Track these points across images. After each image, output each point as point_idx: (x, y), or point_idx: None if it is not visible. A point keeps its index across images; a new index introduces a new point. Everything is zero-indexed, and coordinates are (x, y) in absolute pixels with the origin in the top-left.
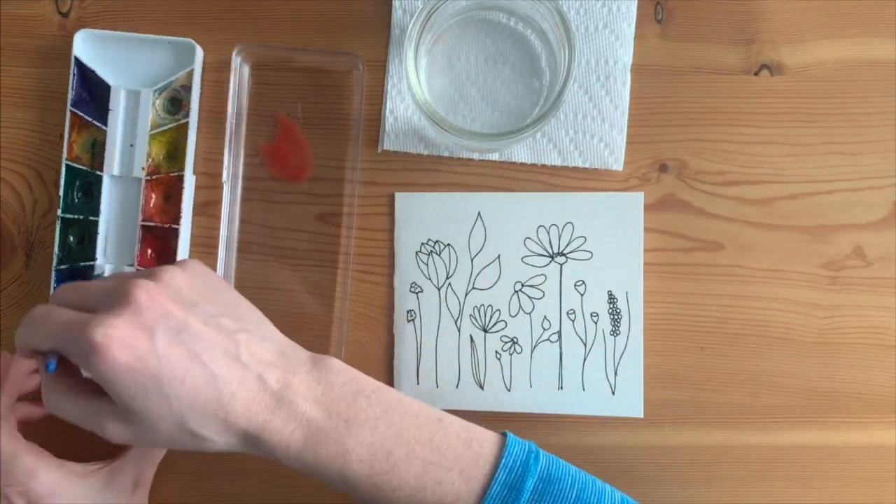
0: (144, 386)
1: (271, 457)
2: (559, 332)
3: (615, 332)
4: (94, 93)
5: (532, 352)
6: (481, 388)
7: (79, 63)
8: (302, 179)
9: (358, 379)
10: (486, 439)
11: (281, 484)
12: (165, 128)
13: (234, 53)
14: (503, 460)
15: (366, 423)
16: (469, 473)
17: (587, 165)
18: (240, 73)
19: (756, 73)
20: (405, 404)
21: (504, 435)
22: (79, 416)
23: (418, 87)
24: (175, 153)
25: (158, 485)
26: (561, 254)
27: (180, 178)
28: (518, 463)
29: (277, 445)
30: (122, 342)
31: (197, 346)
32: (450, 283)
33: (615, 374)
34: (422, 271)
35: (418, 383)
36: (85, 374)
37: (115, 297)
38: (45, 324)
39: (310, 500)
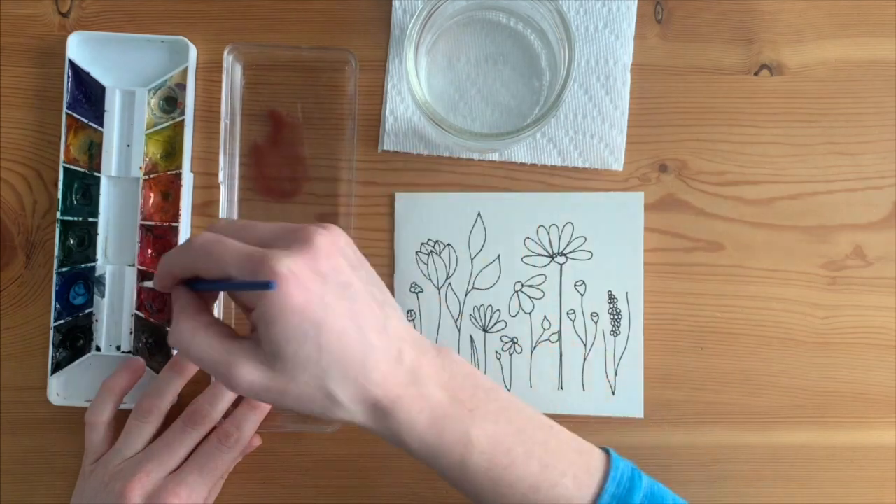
0: (305, 331)
1: (394, 436)
2: (559, 332)
3: (615, 332)
4: (89, 94)
5: (532, 352)
6: None
7: (73, 65)
8: (295, 196)
9: (476, 374)
10: (594, 451)
11: (281, 484)
12: (161, 126)
13: (225, 53)
14: (612, 473)
15: (487, 415)
16: (581, 481)
17: (587, 165)
18: (232, 73)
19: (756, 73)
20: (519, 406)
21: (605, 450)
22: (209, 353)
23: (418, 87)
24: (172, 152)
25: None
26: (561, 254)
27: (178, 176)
28: (625, 478)
29: (405, 422)
30: (300, 281)
31: (356, 306)
32: (450, 284)
33: (615, 374)
34: (422, 271)
35: None
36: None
37: (295, 237)
38: (221, 251)
39: (309, 500)
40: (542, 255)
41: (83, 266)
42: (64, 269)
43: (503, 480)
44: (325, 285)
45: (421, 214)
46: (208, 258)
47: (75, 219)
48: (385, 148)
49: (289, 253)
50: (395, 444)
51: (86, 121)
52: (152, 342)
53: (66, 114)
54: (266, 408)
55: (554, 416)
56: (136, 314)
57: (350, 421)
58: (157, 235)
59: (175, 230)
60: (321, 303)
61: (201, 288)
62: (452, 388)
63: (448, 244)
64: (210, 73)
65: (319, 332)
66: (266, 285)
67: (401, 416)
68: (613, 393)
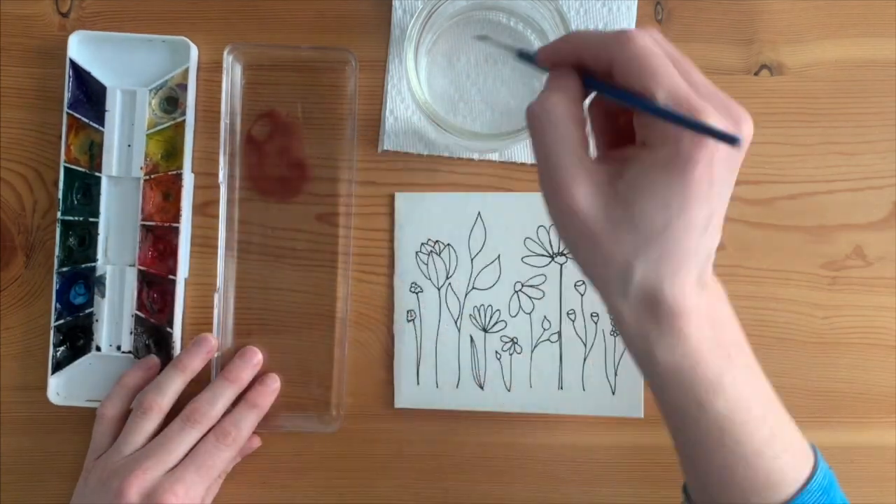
0: (671, 202)
1: (648, 344)
2: (559, 332)
3: (615, 332)
4: (90, 94)
5: (532, 352)
6: (481, 388)
7: (74, 65)
8: (295, 196)
9: (735, 324)
10: (805, 440)
11: (281, 484)
12: (162, 127)
13: (225, 53)
14: (820, 465)
15: (740, 367)
16: (797, 461)
17: None
18: (232, 73)
19: (756, 73)
20: (760, 371)
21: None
22: (561, 144)
23: (418, 87)
24: (173, 152)
25: None
26: (561, 254)
27: (179, 177)
28: (829, 475)
29: (671, 335)
30: (712, 160)
31: (717, 214)
32: (450, 283)
33: (615, 374)
34: (422, 271)
35: (418, 383)
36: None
37: (725, 107)
38: (658, 66)
39: (309, 500)
40: (542, 255)
41: (83, 266)
42: (64, 269)
43: (733, 434)
44: (720, 175)
45: (421, 214)
46: (641, 66)
47: (76, 219)
48: (385, 148)
49: (723, 124)
50: (638, 355)
51: (87, 120)
52: (152, 342)
53: (67, 113)
54: (264, 407)
55: (554, 416)
56: (136, 314)
57: (614, 305)
58: (158, 236)
59: (175, 231)
60: (707, 189)
61: (597, 87)
62: (719, 328)
63: (448, 244)
64: (210, 73)
65: (681, 212)
66: (730, 139)
67: (671, 329)
68: (613, 393)
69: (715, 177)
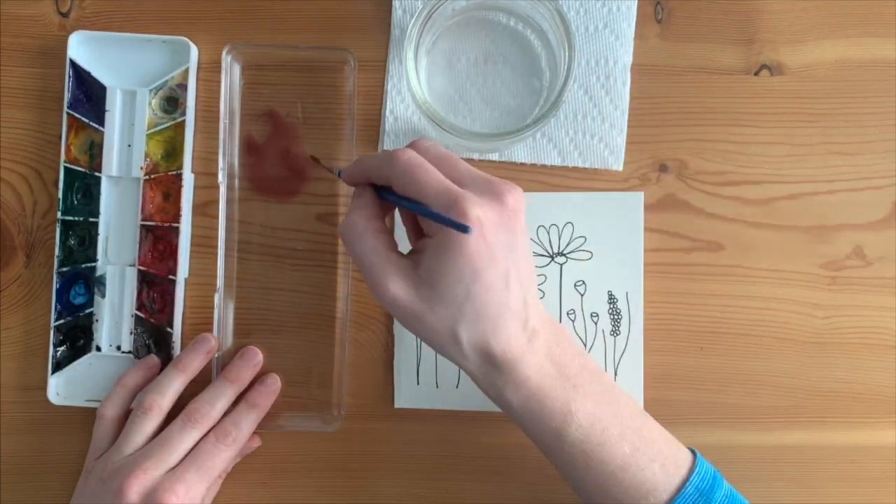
0: (464, 274)
1: (498, 392)
2: None
3: (615, 332)
4: (90, 94)
5: None
6: None
7: (74, 65)
8: (295, 196)
9: (584, 355)
10: (682, 447)
11: (281, 484)
12: (162, 127)
13: (224, 53)
14: (697, 468)
15: (589, 394)
16: (668, 469)
17: (587, 165)
18: (231, 73)
19: (756, 73)
20: (618, 392)
21: (692, 450)
22: (370, 256)
23: (418, 87)
24: (173, 152)
25: None
26: (561, 254)
27: (179, 177)
28: (709, 475)
29: (513, 382)
30: (482, 230)
31: (512, 270)
32: None
33: (615, 374)
34: None
35: (418, 383)
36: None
37: (488, 188)
38: (421, 177)
39: (309, 500)
40: (542, 256)
41: (83, 266)
42: (64, 269)
43: (595, 456)
44: (497, 240)
45: None
46: (408, 179)
47: (76, 219)
48: (385, 148)
49: (482, 201)
50: (495, 401)
51: (87, 120)
52: (152, 342)
53: (67, 113)
54: (265, 407)
55: None
56: (136, 314)
57: (461, 364)
58: (158, 236)
59: (175, 231)
60: (489, 255)
61: (387, 198)
62: (561, 363)
63: None
64: (210, 73)
65: (475, 279)
66: (462, 228)
67: (511, 375)
68: None
69: (491, 242)
